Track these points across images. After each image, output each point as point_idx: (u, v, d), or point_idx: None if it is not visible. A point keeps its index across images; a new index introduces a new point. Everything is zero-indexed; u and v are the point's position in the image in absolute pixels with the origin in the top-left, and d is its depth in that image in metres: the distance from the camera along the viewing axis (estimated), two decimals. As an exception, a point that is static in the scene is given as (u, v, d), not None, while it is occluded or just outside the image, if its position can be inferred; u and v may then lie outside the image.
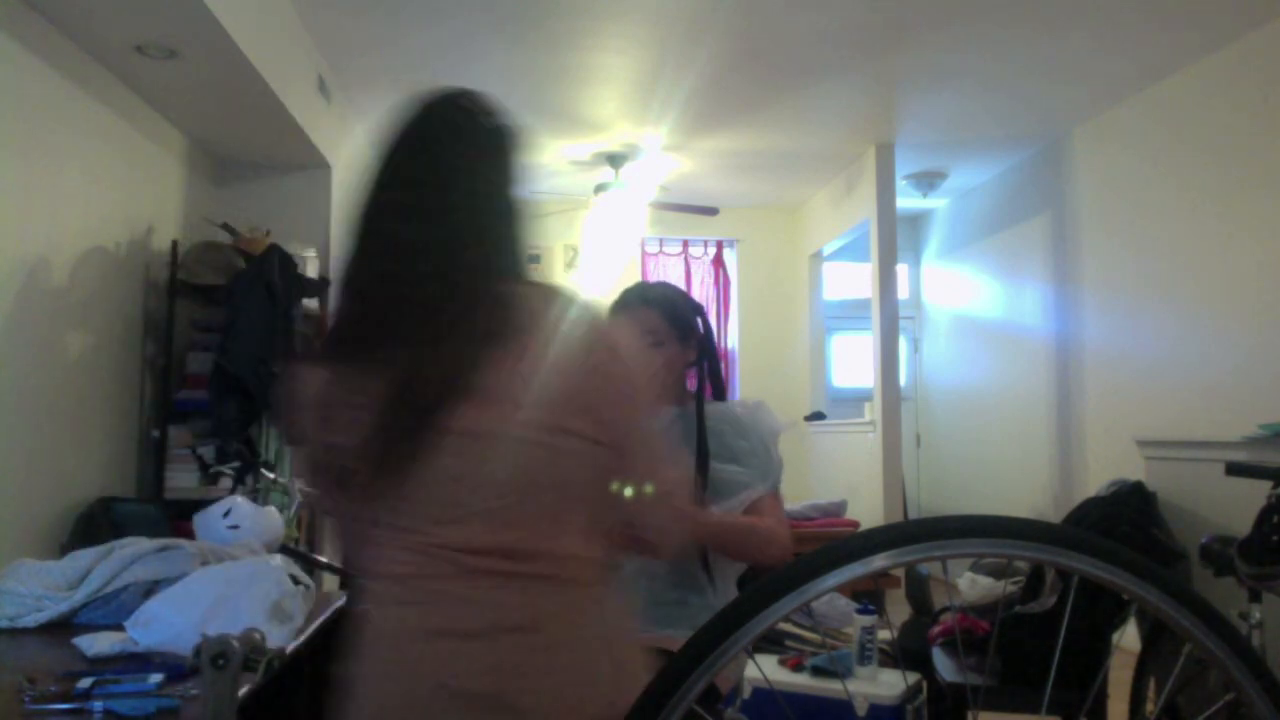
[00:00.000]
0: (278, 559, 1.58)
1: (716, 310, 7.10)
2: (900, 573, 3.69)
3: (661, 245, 7.09)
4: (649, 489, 1.07)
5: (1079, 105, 4.78)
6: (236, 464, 2.98)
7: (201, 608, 1.39)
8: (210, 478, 3.41)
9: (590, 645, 1.03)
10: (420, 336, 1.04)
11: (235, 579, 1.46)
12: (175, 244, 3.68)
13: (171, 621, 1.38)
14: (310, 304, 4.02)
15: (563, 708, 0.98)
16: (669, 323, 1.84)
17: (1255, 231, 3.85)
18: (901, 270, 6.68)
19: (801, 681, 2.58)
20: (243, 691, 1.06)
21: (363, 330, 1.07)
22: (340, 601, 1.74)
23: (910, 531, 0.83)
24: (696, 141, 5.43)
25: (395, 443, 1.01)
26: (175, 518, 3.23)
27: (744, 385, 6.94)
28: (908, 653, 2.83)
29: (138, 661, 1.32)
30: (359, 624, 1.02)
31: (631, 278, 6.81)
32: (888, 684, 2.55)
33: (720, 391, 1.91)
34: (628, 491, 1.07)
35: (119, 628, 1.43)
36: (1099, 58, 4.17)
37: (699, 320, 1.92)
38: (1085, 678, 2.41)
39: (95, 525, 3.04)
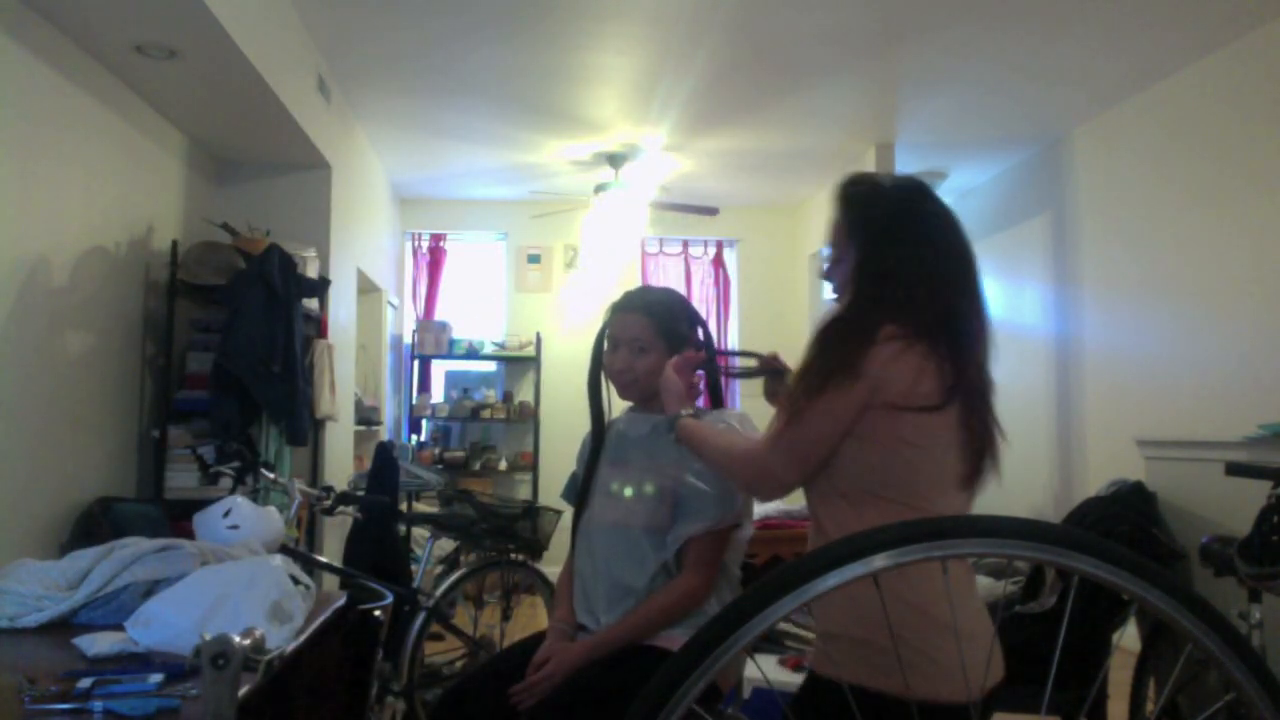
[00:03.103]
0: (278, 559, 1.58)
1: (716, 310, 7.10)
2: (900, 573, 3.68)
3: (661, 245, 7.09)
4: None
5: (1078, 106, 4.78)
6: (236, 464, 2.97)
7: (201, 608, 1.39)
8: (210, 478, 3.40)
9: None
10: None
11: (235, 579, 1.46)
12: (175, 244, 3.69)
13: (171, 621, 1.38)
14: (310, 304, 4.02)
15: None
16: (656, 330, 1.84)
17: (1255, 231, 3.85)
18: (901, 270, 6.65)
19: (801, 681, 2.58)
20: (243, 691, 1.06)
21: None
22: (340, 601, 1.74)
23: (910, 531, 0.83)
24: (696, 141, 5.43)
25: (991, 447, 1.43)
26: (175, 518, 3.23)
27: (744, 385, 6.94)
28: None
29: (138, 661, 1.32)
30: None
31: (631, 277, 6.84)
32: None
33: (718, 403, 1.90)
34: None
35: (119, 628, 1.43)
36: (1099, 58, 4.17)
37: (698, 330, 1.91)
38: (1085, 678, 2.41)
39: (95, 525, 3.04)
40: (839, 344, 1.37)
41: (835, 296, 1.52)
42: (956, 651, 1.24)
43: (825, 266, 1.56)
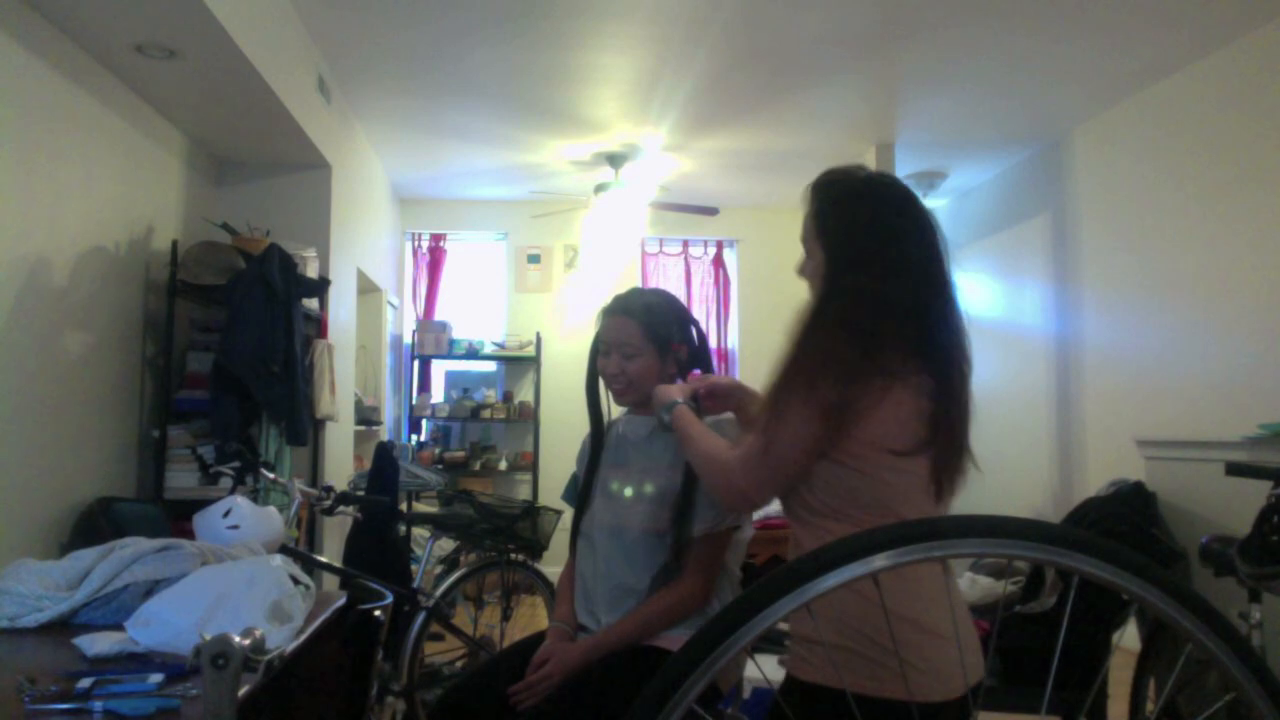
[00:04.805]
0: (278, 559, 1.58)
1: (716, 310, 7.10)
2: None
3: (661, 245, 7.09)
4: None
5: (1078, 106, 4.78)
6: (236, 464, 2.98)
7: (201, 608, 1.39)
8: (210, 478, 3.41)
9: None
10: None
11: (235, 579, 1.46)
12: (175, 244, 3.68)
13: (171, 621, 1.38)
14: (310, 304, 4.02)
15: None
16: (645, 334, 1.83)
17: (1255, 232, 3.85)
18: (901, 270, 6.65)
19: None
20: (243, 691, 1.06)
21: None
22: (340, 601, 1.74)
23: (910, 531, 0.83)
24: (696, 141, 5.43)
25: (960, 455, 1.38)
26: (175, 518, 3.24)
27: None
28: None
29: (138, 661, 1.32)
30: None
31: (631, 278, 6.84)
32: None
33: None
34: None
35: (119, 628, 1.43)
36: (1099, 58, 4.17)
37: (692, 331, 1.91)
38: (1085, 678, 2.41)
39: (95, 525, 3.04)
40: (821, 373, 1.32)
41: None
42: (935, 651, 1.24)
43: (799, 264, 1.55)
